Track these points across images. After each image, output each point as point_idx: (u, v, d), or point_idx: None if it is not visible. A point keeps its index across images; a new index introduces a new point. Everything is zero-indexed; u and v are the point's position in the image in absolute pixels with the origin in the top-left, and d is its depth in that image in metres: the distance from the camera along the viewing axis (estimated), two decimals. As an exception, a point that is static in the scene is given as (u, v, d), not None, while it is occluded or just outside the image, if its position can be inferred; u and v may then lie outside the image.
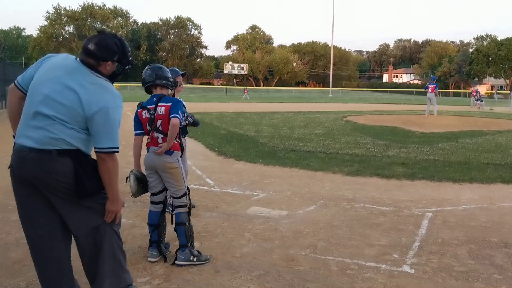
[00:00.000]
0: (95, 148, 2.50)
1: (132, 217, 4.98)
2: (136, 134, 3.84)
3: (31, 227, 2.57)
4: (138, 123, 3.78)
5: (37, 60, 2.66)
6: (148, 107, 3.71)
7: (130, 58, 2.73)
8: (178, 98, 3.99)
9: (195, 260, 3.65)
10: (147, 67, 3.86)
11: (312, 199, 5.94)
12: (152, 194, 3.85)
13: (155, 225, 3.81)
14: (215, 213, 5.23)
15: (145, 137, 3.87)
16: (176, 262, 3.64)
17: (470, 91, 33.26)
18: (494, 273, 3.67)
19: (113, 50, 2.56)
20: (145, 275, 3.49)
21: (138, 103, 3.88)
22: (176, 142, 3.71)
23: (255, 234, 4.47)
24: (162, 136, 3.66)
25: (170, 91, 3.93)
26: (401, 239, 4.41)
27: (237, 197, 6.02)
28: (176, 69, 5.23)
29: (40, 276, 2.69)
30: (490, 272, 3.69)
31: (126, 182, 3.76)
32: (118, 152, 2.54)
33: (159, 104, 3.67)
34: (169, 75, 3.85)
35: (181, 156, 3.80)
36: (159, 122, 3.66)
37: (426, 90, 21.01)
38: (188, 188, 3.87)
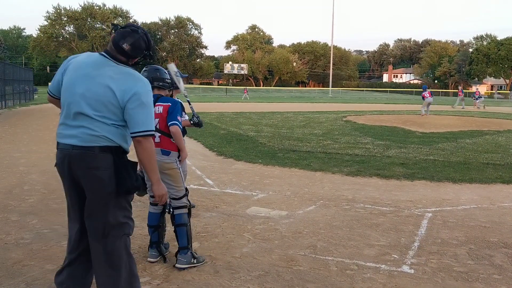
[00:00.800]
0: (131, 133, 2.56)
1: (133, 217, 4.97)
2: None
3: (69, 217, 2.75)
4: None
5: (61, 65, 2.74)
6: None
7: (153, 53, 2.82)
8: (176, 99, 3.98)
9: (195, 262, 3.64)
10: (144, 69, 3.86)
11: (311, 199, 5.94)
12: (152, 196, 3.83)
13: (155, 227, 3.80)
14: (215, 213, 5.23)
15: None
16: (177, 265, 3.60)
17: (469, 90, 33.04)
18: (494, 273, 3.67)
19: (143, 49, 2.67)
20: (145, 275, 3.49)
21: None
22: (174, 142, 3.70)
23: (254, 234, 4.48)
24: (159, 134, 3.65)
25: (168, 91, 3.92)
26: (401, 239, 4.41)
27: (237, 197, 6.02)
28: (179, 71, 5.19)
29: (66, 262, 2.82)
30: (490, 272, 3.69)
31: None
32: (153, 135, 2.64)
33: (157, 103, 3.68)
34: (166, 76, 3.86)
35: (179, 157, 3.78)
36: (156, 120, 3.65)
37: (424, 98, 21.57)
38: (187, 189, 3.85)
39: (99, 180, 2.53)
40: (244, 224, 4.81)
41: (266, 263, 3.76)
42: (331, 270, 3.65)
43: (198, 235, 4.42)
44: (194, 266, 3.63)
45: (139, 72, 2.75)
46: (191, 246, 3.69)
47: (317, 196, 6.15)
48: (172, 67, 4.87)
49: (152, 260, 3.74)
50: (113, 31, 2.65)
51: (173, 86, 3.99)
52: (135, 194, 3.21)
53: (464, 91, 35.47)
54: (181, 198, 3.73)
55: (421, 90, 24.11)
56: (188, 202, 3.77)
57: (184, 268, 3.58)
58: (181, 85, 4.54)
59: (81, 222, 2.67)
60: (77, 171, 2.55)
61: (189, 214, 3.76)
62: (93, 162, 2.52)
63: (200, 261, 3.68)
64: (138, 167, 3.79)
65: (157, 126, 3.65)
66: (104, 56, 2.61)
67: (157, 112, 3.66)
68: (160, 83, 3.78)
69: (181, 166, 3.87)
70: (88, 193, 2.57)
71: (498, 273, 3.67)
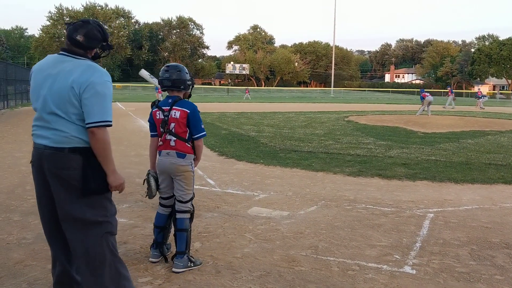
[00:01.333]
0: (86, 125, 2.52)
1: (134, 217, 4.99)
2: (151, 136, 3.75)
3: (40, 210, 2.76)
4: (153, 124, 3.70)
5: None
6: (163, 108, 3.63)
7: (110, 43, 2.82)
8: (194, 103, 3.79)
9: (192, 265, 3.61)
10: (165, 68, 3.71)
11: (313, 200, 5.94)
12: (163, 198, 3.79)
13: (161, 227, 3.77)
14: (216, 213, 5.23)
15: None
16: (174, 269, 3.56)
17: (472, 90, 32.82)
18: (496, 274, 3.66)
19: (99, 39, 2.68)
20: (147, 275, 3.49)
21: (152, 102, 3.83)
22: (189, 145, 3.63)
23: (256, 235, 4.47)
24: (175, 139, 3.57)
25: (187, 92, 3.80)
26: (403, 240, 4.40)
27: (238, 198, 6.02)
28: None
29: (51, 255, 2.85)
30: (492, 273, 3.68)
31: (143, 184, 3.76)
32: (110, 125, 2.58)
33: (174, 107, 3.59)
34: (187, 77, 3.72)
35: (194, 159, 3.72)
36: (172, 125, 3.58)
37: (424, 97, 21.77)
38: (193, 193, 3.81)
39: (68, 180, 2.54)
40: (245, 224, 4.81)
41: (267, 264, 3.75)
42: (332, 271, 3.65)
43: (199, 235, 4.43)
44: (191, 270, 3.59)
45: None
46: (188, 251, 3.66)
47: (319, 196, 6.14)
48: (143, 72, 4.91)
49: (153, 260, 3.73)
50: (66, 28, 2.69)
51: (193, 86, 3.89)
52: (145, 196, 3.21)
53: (454, 91, 35.40)
54: (187, 201, 3.68)
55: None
56: (192, 207, 3.73)
57: (182, 272, 3.55)
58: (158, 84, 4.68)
59: (52, 222, 2.69)
60: (48, 171, 2.57)
61: (191, 219, 3.73)
62: (63, 163, 2.54)
63: (197, 264, 3.65)
64: (152, 169, 3.77)
65: (173, 130, 3.57)
66: (62, 54, 2.63)
67: (173, 116, 3.57)
68: (181, 87, 3.66)
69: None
70: (58, 194, 2.58)
71: (500, 274, 3.66)
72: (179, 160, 3.57)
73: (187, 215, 3.68)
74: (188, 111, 3.58)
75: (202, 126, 3.68)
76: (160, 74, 3.70)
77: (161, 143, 3.66)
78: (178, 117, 3.56)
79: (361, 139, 12.27)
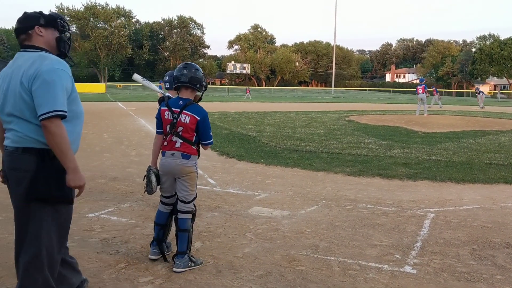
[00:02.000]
0: (39, 118, 2.35)
1: (134, 216, 4.99)
2: (157, 133, 3.71)
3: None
4: (160, 121, 3.65)
5: None
6: (173, 109, 3.58)
7: (59, 15, 2.66)
8: (205, 110, 3.75)
9: (193, 265, 3.61)
10: (183, 65, 3.67)
11: (314, 199, 5.94)
12: (165, 197, 3.78)
13: (161, 225, 3.77)
14: (217, 213, 5.24)
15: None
16: (175, 269, 3.56)
17: (472, 90, 32.51)
18: (496, 273, 3.66)
19: (35, 16, 2.55)
20: (147, 274, 3.49)
21: (161, 97, 3.77)
22: (194, 148, 3.61)
23: (256, 234, 4.48)
24: (181, 141, 3.55)
25: (198, 93, 3.76)
26: (403, 240, 4.40)
27: (239, 197, 6.02)
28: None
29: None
30: (492, 272, 3.68)
31: (143, 180, 3.75)
32: (62, 115, 2.38)
33: (184, 111, 3.54)
34: (203, 77, 3.68)
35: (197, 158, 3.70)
36: (180, 128, 3.55)
37: (417, 92, 21.65)
38: (196, 194, 3.80)
39: (17, 183, 2.44)
40: (246, 224, 4.81)
41: (268, 263, 3.76)
42: (333, 270, 3.65)
43: (200, 234, 4.43)
44: (191, 269, 3.59)
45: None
46: (189, 251, 3.65)
47: (319, 196, 6.14)
48: (136, 76, 4.91)
49: (153, 257, 3.73)
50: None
51: (206, 89, 3.86)
52: (143, 192, 3.11)
53: (438, 90, 35.25)
54: (190, 202, 3.67)
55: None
56: (194, 208, 3.72)
57: (183, 271, 3.54)
58: (153, 86, 4.70)
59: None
60: (6, 171, 2.52)
61: (192, 219, 3.72)
62: (15, 163, 2.44)
63: (198, 263, 3.65)
64: (153, 165, 3.70)
65: (180, 133, 3.55)
66: (20, 51, 2.56)
67: (182, 120, 3.53)
68: (197, 85, 3.61)
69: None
70: (11, 196, 2.52)
71: (501, 274, 3.66)
72: (184, 161, 3.55)
73: (189, 215, 3.67)
74: (199, 118, 3.55)
75: (211, 134, 3.66)
76: (176, 71, 3.65)
77: (166, 143, 3.62)
78: (188, 122, 3.53)
79: (362, 138, 12.27)
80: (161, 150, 3.67)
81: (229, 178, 7.21)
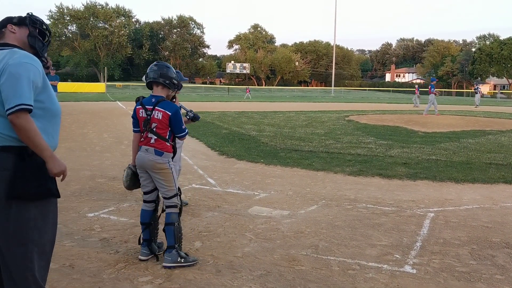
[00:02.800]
0: (6, 113, 2.29)
1: (134, 216, 4.99)
2: (134, 131, 3.85)
3: None
4: (136, 120, 3.78)
5: None
6: (146, 106, 3.70)
7: (31, 14, 2.62)
8: (175, 104, 3.89)
9: (182, 261, 3.61)
10: (154, 63, 3.81)
11: (313, 199, 5.94)
12: (144, 193, 3.85)
13: (146, 224, 3.80)
14: (217, 212, 5.24)
15: None
16: (164, 264, 3.60)
17: (472, 90, 32.05)
18: (496, 273, 3.66)
19: (8, 17, 2.55)
20: (147, 274, 3.49)
21: (137, 97, 3.84)
22: (169, 145, 3.70)
23: (256, 234, 4.48)
24: (156, 137, 3.65)
25: (170, 92, 3.88)
26: (403, 239, 4.40)
27: (239, 197, 6.02)
28: (181, 73, 5.21)
29: None
30: (492, 272, 3.68)
31: (123, 174, 3.87)
32: (28, 109, 2.30)
33: (156, 107, 3.66)
34: (174, 75, 3.81)
35: (172, 158, 3.77)
36: (154, 124, 3.66)
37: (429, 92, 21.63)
38: (179, 189, 3.85)
39: None
40: (246, 223, 4.81)
41: (268, 263, 3.76)
42: (333, 270, 3.65)
43: (200, 234, 4.43)
44: (182, 266, 3.60)
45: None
46: (178, 245, 3.67)
47: (319, 196, 6.14)
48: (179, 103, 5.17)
49: (142, 258, 3.73)
50: None
51: (178, 88, 3.96)
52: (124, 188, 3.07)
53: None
54: (171, 197, 3.73)
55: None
56: (179, 202, 3.77)
57: (169, 267, 3.56)
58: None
59: None
60: None
61: (179, 213, 3.76)
62: None
63: (189, 260, 3.65)
64: (133, 163, 3.77)
65: (154, 129, 3.64)
66: None
67: (155, 117, 3.64)
68: (167, 81, 3.72)
69: (175, 165, 3.91)
70: None
71: (501, 273, 3.66)
72: (156, 158, 3.65)
73: (174, 210, 3.74)
74: (170, 113, 3.65)
75: (183, 127, 3.75)
76: (148, 68, 3.78)
77: (142, 139, 3.74)
78: (160, 118, 3.64)
79: (362, 138, 12.27)
80: (139, 146, 3.77)
81: (228, 177, 7.21)
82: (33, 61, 2.41)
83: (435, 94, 21.76)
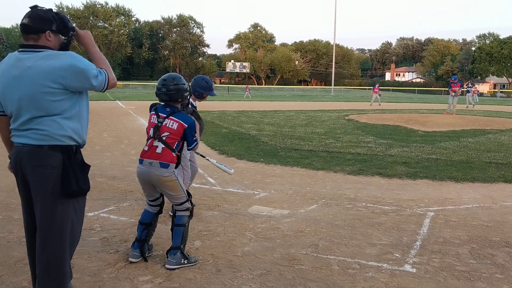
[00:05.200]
0: (102, 90, 2.60)
1: (134, 215, 4.99)
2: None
3: (24, 211, 2.73)
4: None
5: None
6: (159, 113, 3.61)
7: (71, 25, 2.69)
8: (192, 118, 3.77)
9: (186, 262, 3.59)
10: (161, 81, 3.63)
11: (313, 198, 5.94)
12: (150, 201, 3.80)
13: (146, 224, 3.75)
14: (217, 212, 5.24)
15: None
16: (167, 266, 3.56)
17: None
18: (496, 272, 3.67)
19: (48, 20, 2.56)
20: (147, 273, 3.49)
21: (152, 104, 3.78)
22: (175, 155, 3.59)
23: (256, 233, 4.48)
24: (163, 146, 3.54)
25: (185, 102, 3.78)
26: (403, 239, 4.40)
27: (239, 196, 6.02)
28: (206, 82, 5.14)
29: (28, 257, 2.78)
30: (492, 271, 3.68)
31: None
32: (108, 74, 2.64)
33: (171, 117, 3.57)
34: (185, 87, 3.65)
35: (176, 167, 3.67)
36: (165, 133, 3.55)
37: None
38: (189, 193, 3.79)
39: (45, 179, 2.50)
40: (246, 223, 4.81)
41: (268, 262, 3.76)
42: (333, 269, 3.65)
43: (200, 233, 4.43)
44: (187, 267, 3.58)
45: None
46: (183, 246, 3.64)
47: (319, 195, 6.14)
48: (212, 160, 5.35)
49: (133, 260, 3.66)
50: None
51: (190, 96, 3.87)
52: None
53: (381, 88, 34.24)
54: (183, 203, 3.69)
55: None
56: (189, 206, 3.73)
57: (174, 269, 3.54)
58: (222, 167, 5.16)
59: (30, 224, 2.68)
60: (26, 169, 2.54)
61: (190, 216, 3.73)
62: (41, 161, 2.49)
63: (192, 261, 3.63)
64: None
65: (164, 138, 3.54)
66: (21, 51, 2.55)
67: (169, 126, 3.54)
68: (179, 100, 3.62)
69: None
70: (34, 193, 2.54)
71: (500, 272, 3.66)
72: (162, 171, 3.52)
73: (186, 213, 3.70)
74: (186, 126, 3.57)
75: (194, 138, 3.67)
76: (157, 87, 3.67)
77: (146, 148, 3.60)
78: (175, 128, 3.55)
79: (362, 137, 12.27)
80: (139, 157, 3.63)
81: (228, 177, 7.20)
82: (75, 54, 2.57)
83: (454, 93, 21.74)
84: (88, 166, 2.70)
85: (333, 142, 11.26)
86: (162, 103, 3.69)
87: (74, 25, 2.76)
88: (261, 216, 5.07)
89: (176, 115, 3.59)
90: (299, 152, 9.57)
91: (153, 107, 3.73)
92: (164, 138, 3.55)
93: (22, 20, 2.54)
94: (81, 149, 2.73)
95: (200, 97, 5.13)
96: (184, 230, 3.65)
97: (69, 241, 2.62)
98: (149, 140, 3.60)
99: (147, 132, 3.67)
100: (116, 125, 14.96)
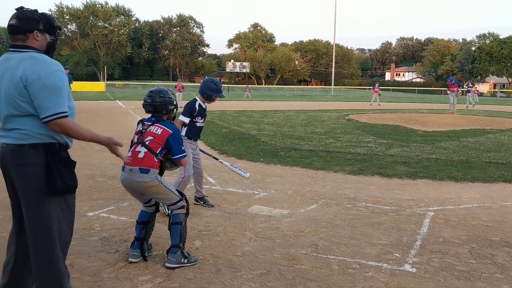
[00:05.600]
0: (42, 119, 2.47)
1: (134, 215, 4.97)
2: None
3: (12, 213, 2.75)
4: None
5: None
6: (144, 122, 3.72)
7: (57, 25, 2.72)
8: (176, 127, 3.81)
9: (185, 262, 3.58)
10: (147, 94, 3.76)
11: (313, 198, 5.94)
12: (144, 203, 3.81)
13: (144, 223, 3.76)
14: (217, 211, 5.24)
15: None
16: (167, 265, 3.56)
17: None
18: (496, 272, 3.66)
19: (35, 19, 2.59)
20: (147, 273, 3.49)
21: (140, 119, 3.82)
22: (156, 160, 3.55)
23: (256, 233, 4.47)
24: (146, 150, 3.55)
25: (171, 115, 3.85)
26: (403, 238, 4.40)
27: (239, 196, 6.02)
28: (215, 84, 5.26)
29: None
30: (492, 271, 3.68)
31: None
32: (65, 116, 2.50)
33: (156, 124, 3.64)
34: (170, 100, 3.73)
35: (159, 173, 3.65)
36: (149, 137, 3.58)
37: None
38: (182, 194, 3.76)
39: (28, 178, 2.52)
40: (246, 222, 4.81)
41: (267, 262, 3.76)
42: (333, 269, 3.65)
43: (200, 233, 4.43)
44: (184, 266, 3.57)
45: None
46: (182, 245, 3.64)
47: (319, 195, 6.14)
48: (226, 163, 5.32)
49: (133, 260, 3.66)
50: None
51: (175, 108, 3.88)
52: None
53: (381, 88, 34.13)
54: (176, 203, 3.67)
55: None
56: (185, 203, 3.71)
57: (173, 268, 3.53)
58: (237, 170, 5.46)
59: (18, 221, 2.70)
60: (10, 168, 2.56)
61: (186, 214, 3.72)
62: (22, 160, 2.52)
63: (192, 261, 3.62)
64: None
65: (147, 143, 3.56)
66: (9, 51, 2.60)
67: (153, 131, 3.60)
68: (163, 111, 3.71)
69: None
70: (20, 192, 2.57)
71: (500, 272, 3.66)
72: (143, 176, 3.50)
73: (182, 210, 3.69)
74: (171, 132, 3.60)
75: (182, 148, 3.65)
76: (144, 99, 3.76)
77: (130, 153, 3.61)
78: (159, 133, 3.58)
79: (362, 137, 12.27)
80: (122, 165, 3.63)
81: (228, 176, 7.21)
82: (60, 68, 2.58)
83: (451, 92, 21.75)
84: (73, 163, 2.68)
85: (333, 142, 11.26)
86: (148, 116, 3.77)
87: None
88: (261, 216, 5.07)
89: (160, 123, 3.66)
90: (299, 152, 9.58)
91: (140, 121, 3.77)
92: (147, 142, 3.57)
93: (9, 21, 2.58)
94: (68, 149, 2.70)
95: (209, 99, 5.29)
96: (181, 228, 3.64)
97: (58, 239, 2.62)
98: (132, 146, 3.63)
99: (131, 141, 3.71)
100: (116, 124, 14.96)
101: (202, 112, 5.34)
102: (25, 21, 2.56)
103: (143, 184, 3.52)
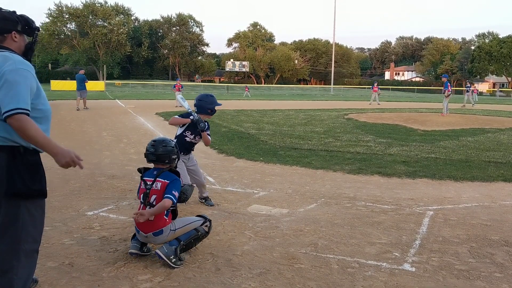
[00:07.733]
0: (3, 115, 2.41)
1: (133, 214, 4.98)
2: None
3: None
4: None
5: None
6: (145, 178, 3.69)
7: (36, 26, 2.70)
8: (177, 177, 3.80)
9: (173, 260, 3.55)
10: (151, 143, 3.77)
11: (313, 197, 5.94)
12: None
13: None
14: (216, 211, 5.24)
15: None
16: (156, 250, 3.58)
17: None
18: (495, 271, 3.67)
19: (13, 20, 2.59)
20: (146, 272, 3.49)
21: (138, 169, 3.81)
22: (167, 218, 3.63)
23: (255, 232, 4.48)
24: None
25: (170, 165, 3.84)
26: (402, 237, 4.40)
27: (238, 195, 6.02)
28: (211, 96, 5.38)
29: None
30: (491, 270, 3.68)
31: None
32: (25, 113, 2.43)
33: (158, 178, 3.64)
34: (173, 150, 3.77)
35: (173, 219, 3.71)
36: (153, 197, 3.59)
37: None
38: (204, 217, 3.87)
39: None
40: (245, 222, 4.81)
41: (267, 261, 3.76)
42: (332, 268, 3.65)
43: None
44: (168, 264, 3.53)
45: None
46: (183, 246, 3.64)
47: (319, 194, 6.14)
48: (178, 97, 5.26)
49: (133, 251, 3.66)
50: None
51: (177, 158, 3.93)
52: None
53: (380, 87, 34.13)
54: (201, 225, 3.80)
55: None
56: (208, 223, 3.85)
57: (159, 256, 3.52)
58: (186, 104, 5.23)
59: None
60: None
61: (208, 230, 3.84)
62: None
63: (177, 264, 3.57)
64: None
65: (154, 203, 3.56)
66: None
67: (154, 188, 3.60)
68: (166, 161, 3.74)
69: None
70: None
71: (500, 271, 3.66)
72: (159, 238, 3.61)
73: (205, 228, 3.82)
74: (168, 182, 3.62)
75: (174, 192, 3.58)
76: (146, 148, 3.78)
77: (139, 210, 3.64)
78: (159, 188, 3.60)
79: (361, 136, 12.27)
80: (135, 226, 3.68)
81: (228, 176, 7.21)
82: (28, 67, 2.52)
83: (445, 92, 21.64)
84: (40, 168, 2.59)
85: (333, 141, 11.26)
86: (150, 167, 3.78)
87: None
88: (261, 215, 5.07)
89: (161, 176, 3.66)
90: (298, 151, 9.58)
91: (141, 174, 3.76)
92: (154, 202, 3.58)
93: None
94: (39, 153, 2.62)
95: (213, 112, 5.36)
96: (194, 233, 3.71)
97: (22, 246, 2.53)
98: (141, 206, 3.65)
99: (139, 198, 3.72)
100: (116, 124, 14.94)
101: (194, 129, 5.22)
102: (3, 21, 2.55)
103: (164, 241, 3.63)
